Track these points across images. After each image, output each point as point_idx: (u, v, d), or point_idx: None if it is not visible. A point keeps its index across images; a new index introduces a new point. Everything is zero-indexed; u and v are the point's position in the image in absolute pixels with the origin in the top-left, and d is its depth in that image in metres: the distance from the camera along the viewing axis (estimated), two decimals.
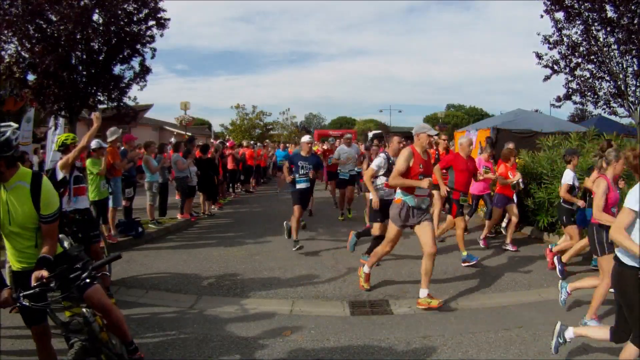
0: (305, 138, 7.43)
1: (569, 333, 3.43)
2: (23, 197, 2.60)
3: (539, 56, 12.45)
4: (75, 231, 4.65)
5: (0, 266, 4.41)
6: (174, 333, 4.05)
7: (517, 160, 7.84)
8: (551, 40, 12.19)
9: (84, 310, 2.65)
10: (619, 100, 11.73)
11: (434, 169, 5.97)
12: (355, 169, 9.59)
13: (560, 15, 11.87)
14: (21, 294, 2.37)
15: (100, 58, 12.24)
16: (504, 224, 7.96)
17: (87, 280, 2.57)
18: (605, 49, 11.48)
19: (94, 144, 6.30)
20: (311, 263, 6.35)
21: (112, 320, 2.79)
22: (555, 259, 5.77)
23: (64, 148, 4.84)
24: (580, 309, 4.57)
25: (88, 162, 6.26)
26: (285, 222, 7.43)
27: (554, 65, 12.36)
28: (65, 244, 4.46)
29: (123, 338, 2.95)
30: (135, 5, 12.30)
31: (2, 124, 2.53)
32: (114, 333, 2.91)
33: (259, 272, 5.94)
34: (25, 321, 2.70)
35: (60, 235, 4.45)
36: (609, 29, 11.24)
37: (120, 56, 12.74)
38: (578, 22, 11.66)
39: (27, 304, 2.36)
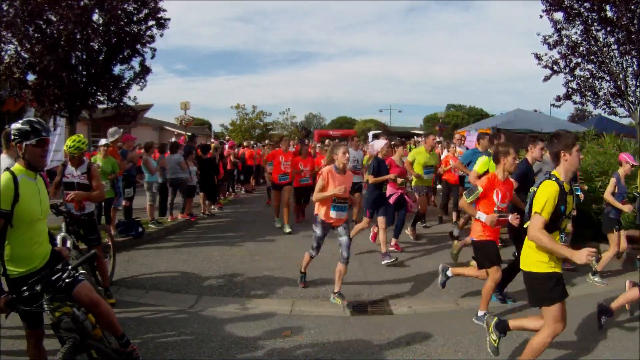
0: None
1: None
2: (43, 186, 2.87)
3: (539, 57, 12.46)
4: (77, 230, 4.69)
5: None
6: (174, 333, 4.05)
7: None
8: (551, 40, 12.21)
9: (73, 309, 2.69)
10: (619, 100, 11.74)
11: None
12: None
13: (559, 15, 11.88)
14: (14, 298, 2.45)
15: (100, 58, 12.25)
16: None
17: (68, 280, 2.63)
18: (605, 49, 11.49)
19: (103, 141, 6.93)
20: (311, 263, 6.33)
21: (102, 313, 2.84)
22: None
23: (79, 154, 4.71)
24: (576, 308, 4.57)
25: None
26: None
27: (554, 66, 12.37)
28: (69, 243, 4.48)
29: (114, 332, 2.99)
30: (135, 5, 12.30)
31: (29, 119, 2.82)
32: (104, 327, 2.95)
33: (259, 272, 5.94)
34: (24, 324, 2.73)
35: (63, 234, 4.49)
36: (608, 29, 11.25)
37: (120, 56, 12.74)
38: (578, 22, 11.67)
39: (24, 308, 2.45)
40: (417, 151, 7.79)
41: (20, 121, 2.79)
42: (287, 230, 8.28)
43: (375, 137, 12.16)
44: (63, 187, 4.79)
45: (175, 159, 9.02)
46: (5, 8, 10.52)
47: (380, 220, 6.36)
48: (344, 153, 4.77)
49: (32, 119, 2.89)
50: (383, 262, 6.12)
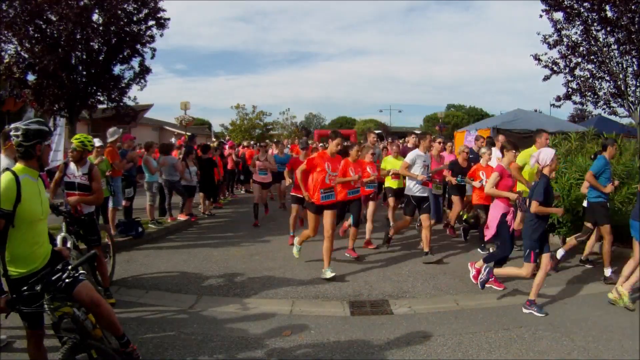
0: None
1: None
2: (43, 186, 2.85)
3: (537, 58, 12.47)
4: (77, 230, 4.70)
5: None
6: (174, 333, 4.05)
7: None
8: (550, 40, 12.22)
9: (74, 309, 2.70)
10: (619, 100, 11.75)
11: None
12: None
13: (559, 15, 11.90)
14: (14, 298, 2.46)
15: (100, 58, 12.27)
16: None
17: (68, 280, 2.63)
18: (605, 49, 11.50)
19: (97, 141, 6.66)
20: (311, 263, 6.35)
21: (103, 313, 2.85)
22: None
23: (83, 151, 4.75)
24: (576, 307, 4.58)
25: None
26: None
27: (553, 66, 12.39)
28: (69, 243, 4.49)
29: (114, 331, 3.00)
30: (135, 5, 12.32)
31: (27, 121, 2.77)
32: (105, 327, 2.96)
33: (259, 272, 5.94)
34: (25, 324, 2.73)
35: (63, 234, 4.50)
36: (608, 29, 11.26)
37: (120, 56, 12.77)
38: (577, 22, 11.69)
39: (24, 308, 2.45)
40: (528, 152, 5.98)
41: (33, 122, 2.76)
42: (330, 274, 5.56)
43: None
44: (63, 187, 4.80)
45: (170, 160, 8.97)
46: (5, 8, 10.53)
47: (544, 260, 4.66)
48: None
49: (39, 119, 2.90)
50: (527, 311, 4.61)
